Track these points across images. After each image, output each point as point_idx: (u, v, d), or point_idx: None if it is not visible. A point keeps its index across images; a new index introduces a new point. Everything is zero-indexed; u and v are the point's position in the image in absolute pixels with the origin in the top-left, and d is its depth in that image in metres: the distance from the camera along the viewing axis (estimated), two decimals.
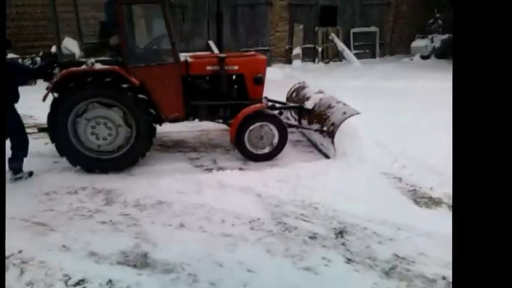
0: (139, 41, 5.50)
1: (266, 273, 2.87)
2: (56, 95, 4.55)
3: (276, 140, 5.02)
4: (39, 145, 5.61)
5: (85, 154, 4.68)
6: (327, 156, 5.11)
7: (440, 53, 14.10)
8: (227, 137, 6.10)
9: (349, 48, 14.73)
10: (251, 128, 4.93)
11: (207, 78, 5.21)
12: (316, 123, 5.40)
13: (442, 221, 3.34)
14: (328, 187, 4.13)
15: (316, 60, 14.56)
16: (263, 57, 5.57)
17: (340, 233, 3.40)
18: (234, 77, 5.38)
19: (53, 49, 10.65)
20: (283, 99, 6.30)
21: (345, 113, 4.97)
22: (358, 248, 3.18)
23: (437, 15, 14.62)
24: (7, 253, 3.04)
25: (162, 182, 4.36)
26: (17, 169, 4.59)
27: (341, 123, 4.86)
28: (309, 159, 5.04)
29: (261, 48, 13.03)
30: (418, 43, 14.60)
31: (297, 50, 14.07)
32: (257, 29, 13.88)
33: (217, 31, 5.90)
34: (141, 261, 3.05)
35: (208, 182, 4.36)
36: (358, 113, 4.94)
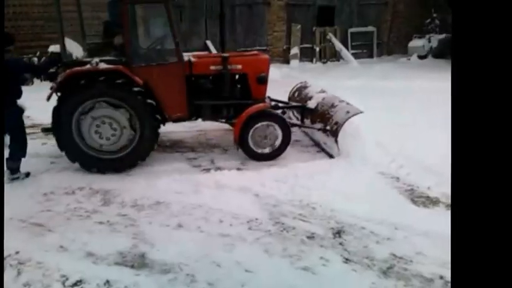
0: (142, 40, 5.50)
1: (264, 273, 2.87)
2: (59, 94, 4.55)
3: (279, 139, 5.03)
4: (37, 145, 5.60)
5: (85, 152, 4.67)
6: (330, 156, 5.12)
7: (437, 53, 14.13)
8: (225, 137, 6.11)
9: (347, 48, 14.75)
10: (255, 127, 4.93)
11: (210, 77, 5.21)
12: (319, 122, 5.41)
13: (440, 221, 3.35)
14: (325, 187, 4.13)
15: (314, 60, 14.58)
16: (266, 56, 5.57)
17: (338, 233, 3.40)
18: (237, 76, 5.38)
19: (50, 49, 10.62)
20: (282, 99, 6.31)
21: (348, 112, 4.98)
22: (356, 247, 3.18)
23: (435, 15, 14.66)
24: (4, 254, 3.03)
25: (160, 182, 4.35)
26: (14, 169, 4.57)
27: (344, 122, 4.87)
28: (307, 159, 5.04)
29: (258, 48, 13.02)
30: (416, 43, 14.63)
31: (294, 50, 14.08)
32: (255, 29, 13.89)
33: (220, 31, 5.90)
34: (138, 262, 3.05)
35: (206, 182, 4.35)
36: (361, 112, 4.95)
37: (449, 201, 3.85)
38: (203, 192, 4.14)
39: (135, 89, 4.54)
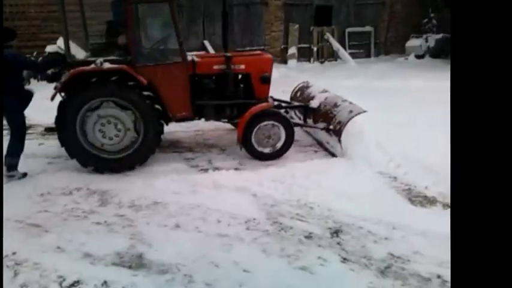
0: (146, 40, 5.51)
1: (262, 273, 2.87)
2: (63, 94, 4.55)
3: (282, 138, 5.05)
4: (33, 146, 5.58)
5: (86, 149, 4.65)
6: (333, 155, 5.13)
7: (434, 53, 14.16)
8: (222, 137, 6.11)
9: (344, 47, 14.76)
10: (258, 127, 4.94)
11: (214, 77, 5.21)
12: (322, 122, 5.42)
13: (437, 220, 3.37)
14: (323, 187, 4.14)
15: (312, 59, 14.58)
16: (269, 56, 5.59)
17: (336, 233, 3.40)
18: (240, 76, 5.39)
19: (48, 49, 10.60)
20: (282, 99, 6.31)
21: (351, 111, 4.99)
22: (354, 247, 3.19)
23: (432, 14, 14.69)
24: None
25: (158, 183, 4.34)
26: (13, 165, 4.56)
27: (348, 121, 4.88)
28: (305, 159, 5.04)
29: (256, 48, 13.02)
30: (413, 42, 14.66)
31: (292, 50, 14.08)
32: (252, 29, 13.89)
33: (222, 30, 5.91)
34: (136, 262, 3.04)
35: (204, 182, 4.35)
36: (364, 112, 4.96)
37: (446, 200, 3.86)
38: (201, 192, 4.14)
39: (145, 93, 4.57)
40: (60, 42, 10.72)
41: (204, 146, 5.77)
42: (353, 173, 4.42)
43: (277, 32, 14.24)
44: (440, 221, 3.24)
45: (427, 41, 14.34)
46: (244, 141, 4.97)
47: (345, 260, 3.03)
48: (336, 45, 14.53)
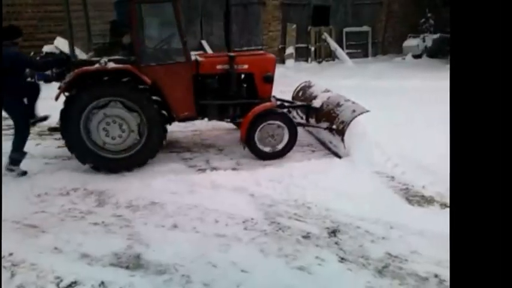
0: (149, 40, 5.50)
1: (260, 273, 2.86)
2: (67, 94, 4.54)
3: (286, 138, 5.05)
4: (31, 146, 5.54)
5: (86, 145, 4.63)
6: (336, 155, 5.13)
7: (432, 52, 14.20)
8: (220, 137, 6.10)
9: (342, 47, 14.79)
10: (261, 126, 4.94)
11: (217, 77, 5.21)
12: (324, 121, 5.42)
13: (434, 220, 3.37)
14: (320, 186, 4.14)
15: (309, 59, 14.61)
16: (272, 56, 5.59)
17: (333, 232, 3.40)
18: (243, 76, 5.39)
19: (45, 49, 10.58)
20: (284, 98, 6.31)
21: (354, 111, 4.99)
22: (351, 247, 3.19)
23: (429, 14, 14.73)
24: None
25: (155, 183, 4.34)
26: (17, 160, 4.60)
27: (351, 121, 4.88)
28: (302, 159, 5.04)
29: (253, 47, 13.03)
30: (410, 42, 14.70)
31: (289, 50, 14.09)
32: (250, 29, 13.89)
33: (225, 30, 5.91)
34: (133, 263, 3.03)
35: (202, 182, 4.34)
36: (367, 111, 4.96)
37: (443, 200, 3.87)
38: (198, 192, 4.13)
39: (154, 97, 4.58)
40: (57, 42, 10.70)
41: (202, 146, 5.76)
42: (351, 173, 4.42)
43: (275, 31, 14.26)
44: (437, 221, 3.25)
45: (424, 41, 14.39)
46: (248, 141, 4.97)
47: (342, 259, 3.03)
48: (333, 45, 14.56)
